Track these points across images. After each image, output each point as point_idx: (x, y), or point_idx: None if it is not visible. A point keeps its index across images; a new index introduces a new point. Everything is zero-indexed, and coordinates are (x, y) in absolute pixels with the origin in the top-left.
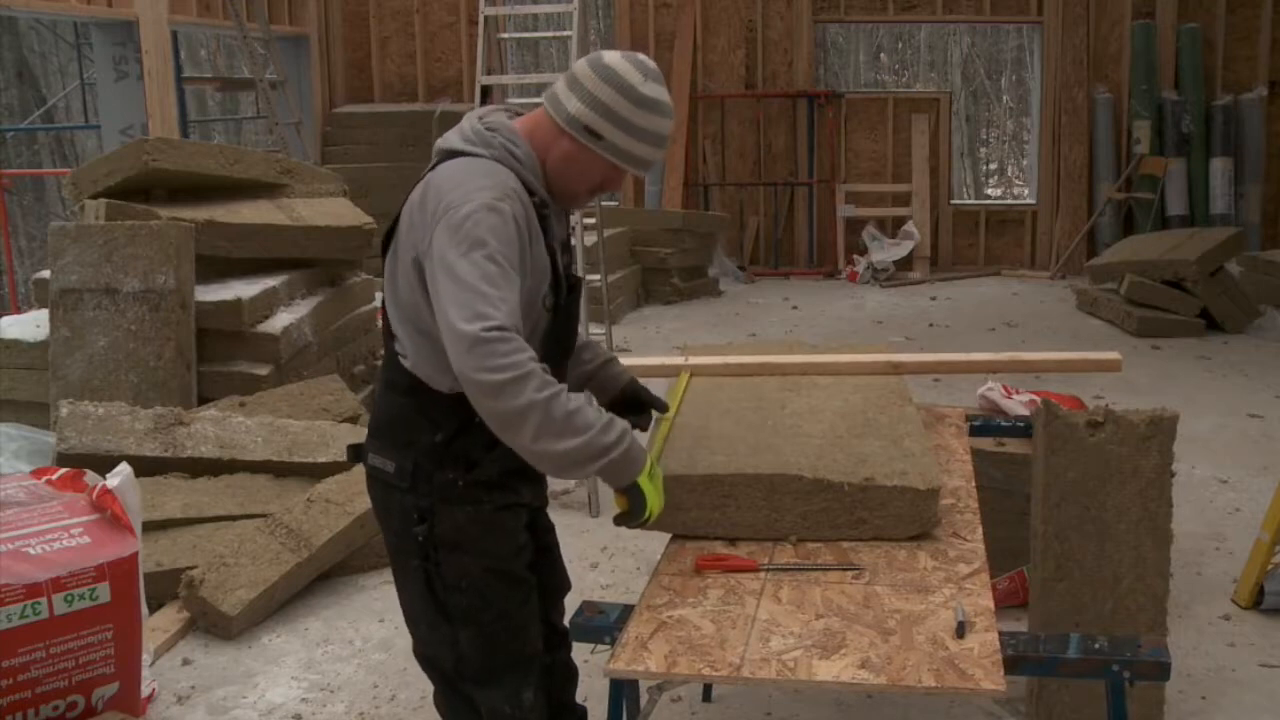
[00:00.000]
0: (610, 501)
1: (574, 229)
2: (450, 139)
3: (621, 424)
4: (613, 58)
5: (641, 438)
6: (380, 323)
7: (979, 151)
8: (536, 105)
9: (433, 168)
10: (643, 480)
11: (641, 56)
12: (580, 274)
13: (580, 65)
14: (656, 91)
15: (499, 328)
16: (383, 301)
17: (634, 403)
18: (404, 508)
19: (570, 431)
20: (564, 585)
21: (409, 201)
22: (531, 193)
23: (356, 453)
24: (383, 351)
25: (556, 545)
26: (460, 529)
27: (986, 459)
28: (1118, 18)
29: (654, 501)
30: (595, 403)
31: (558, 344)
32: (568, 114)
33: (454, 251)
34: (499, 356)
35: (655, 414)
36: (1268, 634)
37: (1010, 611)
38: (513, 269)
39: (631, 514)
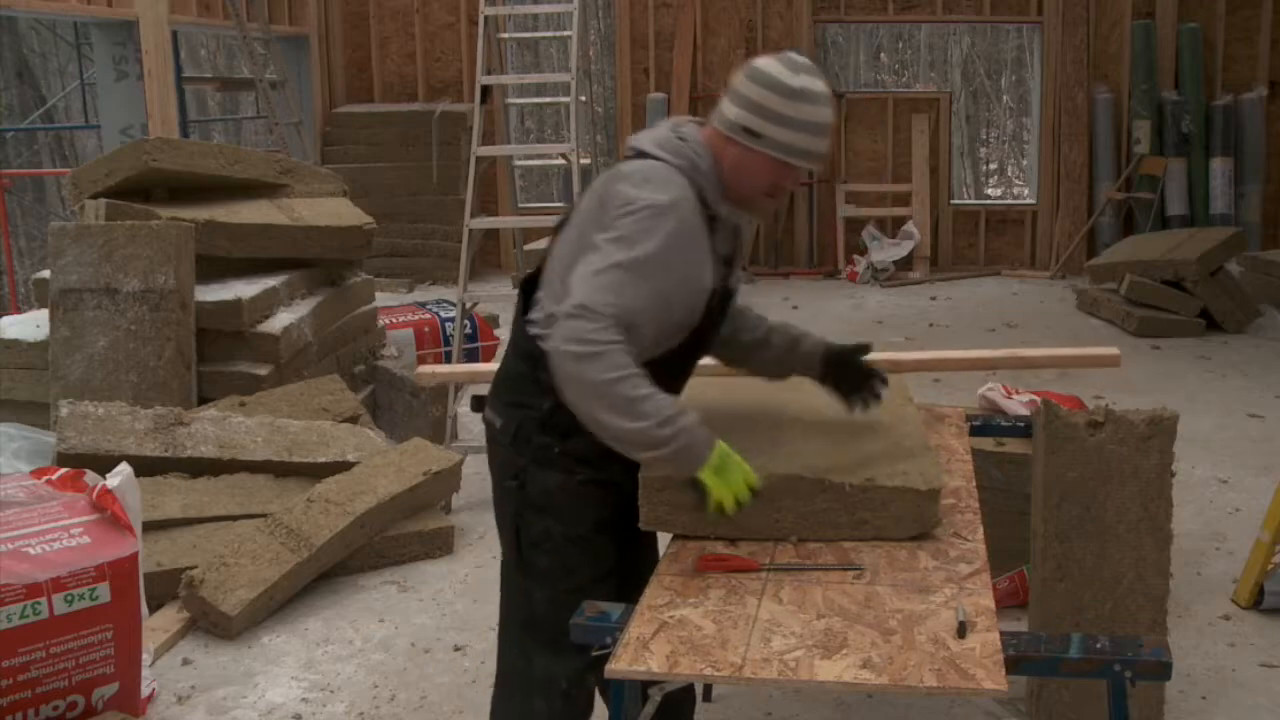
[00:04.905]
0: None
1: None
2: (643, 140)
3: (681, 422)
4: (762, 59)
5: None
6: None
7: (979, 151)
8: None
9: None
10: (705, 475)
11: (792, 53)
12: (735, 285)
13: (737, 75)
14: (807, 82)
15: (603, 315)
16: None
17: (842, 365)
18: (503, 462)
19: (630, 415)
20: None
21: (591, 187)
22: (705, 204)
23: (479, 403)
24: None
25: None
26: (548, 493)
27: (986, 459)
28: (1118, 18)
29: (718, 493)
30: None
31: (699, 345)
32: (728, 120)
33: (610, 239)
34: (586, 333)
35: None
36: (1268, 634)
37: (1010, 611)
38: (660, 273)
39: (703, 505)
